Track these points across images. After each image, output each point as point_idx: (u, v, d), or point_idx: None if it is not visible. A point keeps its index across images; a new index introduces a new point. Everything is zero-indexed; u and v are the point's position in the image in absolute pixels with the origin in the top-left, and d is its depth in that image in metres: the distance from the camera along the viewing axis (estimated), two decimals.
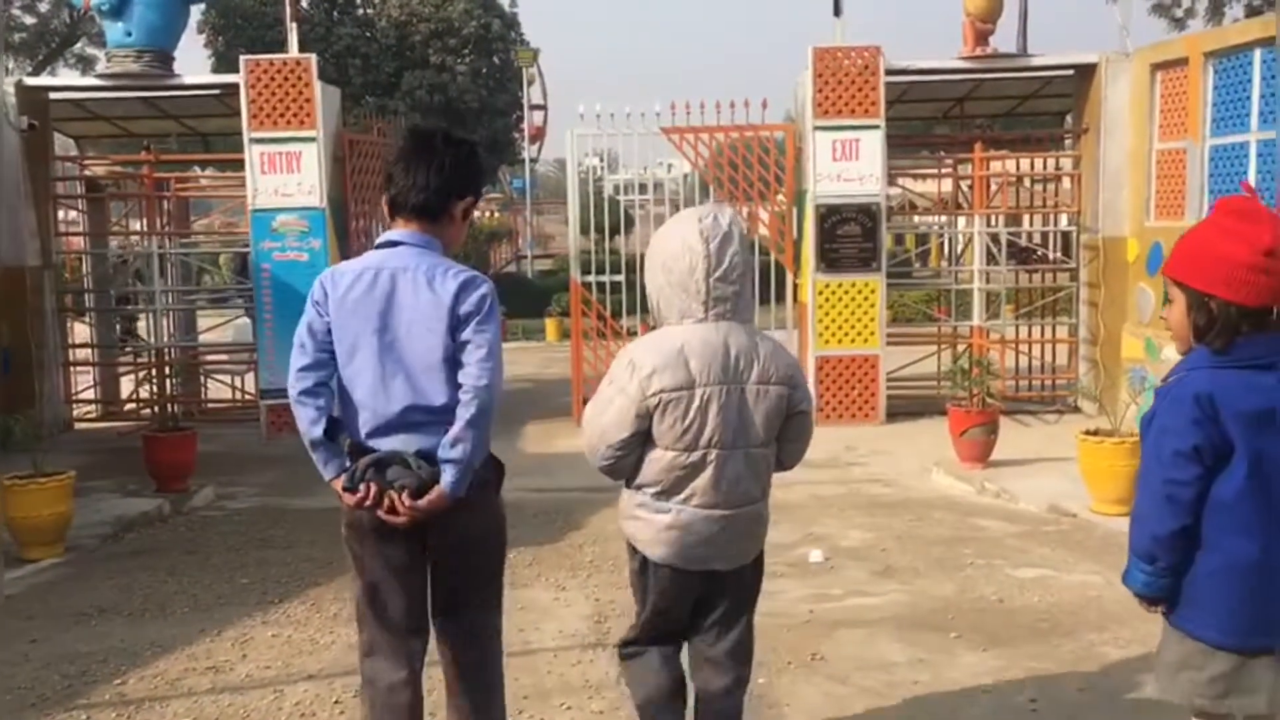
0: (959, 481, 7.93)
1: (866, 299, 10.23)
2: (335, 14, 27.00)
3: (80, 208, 11.98)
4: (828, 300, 10.24)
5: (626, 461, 3.03)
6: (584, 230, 11.40)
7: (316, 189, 10.12)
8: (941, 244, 15.19)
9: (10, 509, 6.39)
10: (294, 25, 10.89)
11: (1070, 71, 10.61)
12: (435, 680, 3.64)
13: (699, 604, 3.16)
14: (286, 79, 10.06)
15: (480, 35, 27.37)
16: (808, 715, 4.14)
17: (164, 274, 10.99)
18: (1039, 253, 11.54)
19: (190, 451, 8.15)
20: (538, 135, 32.79)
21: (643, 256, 3.26)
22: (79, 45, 27.93)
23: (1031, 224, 11.91)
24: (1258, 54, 8.06)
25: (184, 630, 5.20)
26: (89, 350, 11.62)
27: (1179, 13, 23.79)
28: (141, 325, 12.19)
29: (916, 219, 15.14)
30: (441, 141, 3.16)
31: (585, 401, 3.35)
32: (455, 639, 3.27)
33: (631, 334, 3.52)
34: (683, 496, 2.99)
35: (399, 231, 3.14)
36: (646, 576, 3.12)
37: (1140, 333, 9.39)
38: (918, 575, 5.84)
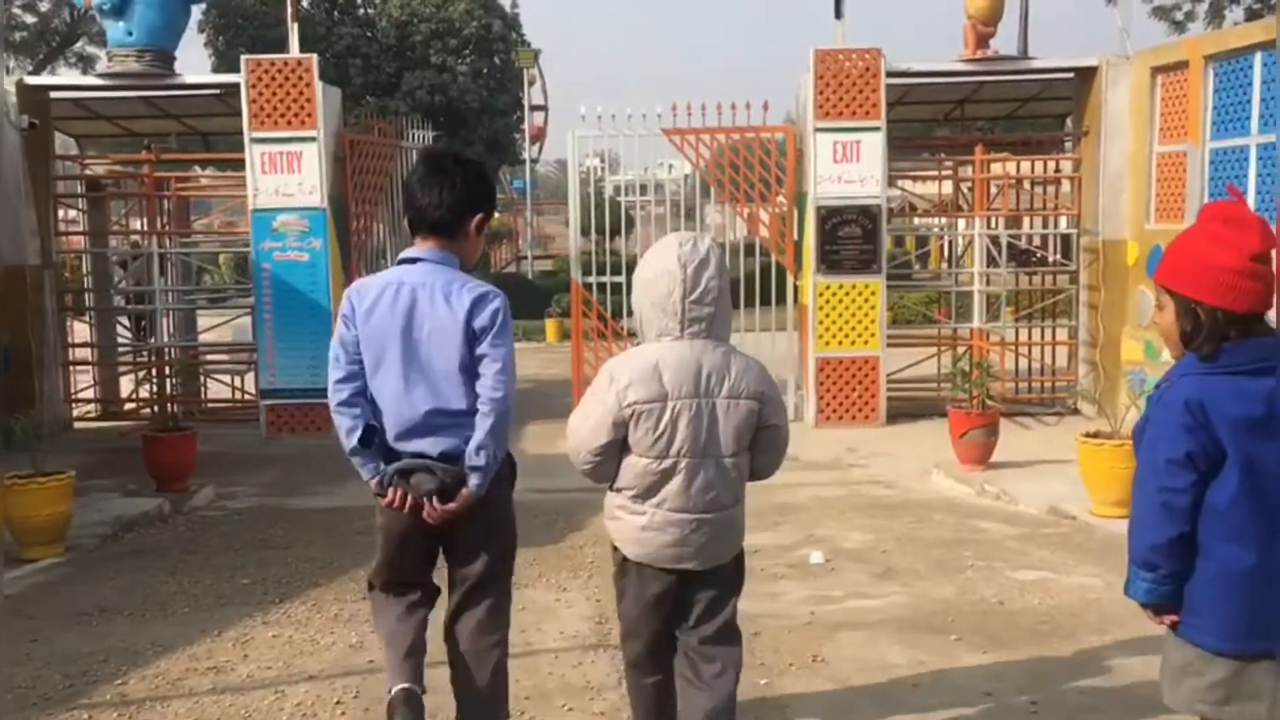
0: (959, 483, 7.93)
1: (867, 301, 10.24)
2: (336, 14, 27.01)
3: (81, 207, 11.99)
4: (828, 302, 10.25)
5: (606, 466, 3.25)
6: (585, 231, 11.41)
7: (317, 189, 10.12)
8: (942, 246, 15.20)
9: (10, 508, 6.38)
10: (295, 25, 10.90)
11: (1071, 74, 10.62)
12: (436, 682, 3.65)
13: (680, 602, 3.33)
14: (287, 79, 10.07)
15: (481, 36, 27.39)
16: (809, 717, 4.14)
17: (164, 273, 10.99)
18: (1039, 255, 11.55)
19: (190, 451, 8.15)
20: (538, 136, 32.81)
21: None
22: (80, 44, 27.91)
23: (1032, 226, 11.91)
24: (1258, 57, 8.07)
25: (185, 630, 5.20)
26: (89, 350, 11.62)
27: (1179, 16, 23.82)
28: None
29: (917, 221, 15.16)
30: (452, 163, 3.41)
31: None
32: (468, 620, 3.50)
33: (632, 335, 3.64)
34: (656, 500, 3.21)
35: (418, 249, 3.39)
36: (626, 573, 3.36)
37: (1140, 335, 9.40)
38: (918, 577, 5.84)
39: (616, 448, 3.21)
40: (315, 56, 10.32)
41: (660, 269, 3.21)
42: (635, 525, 3.26)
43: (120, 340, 11.90)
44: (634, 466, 3.21)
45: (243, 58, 10.41)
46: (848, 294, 10.25)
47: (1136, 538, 2.64)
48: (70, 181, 11.62)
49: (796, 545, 6.49)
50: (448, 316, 3.28)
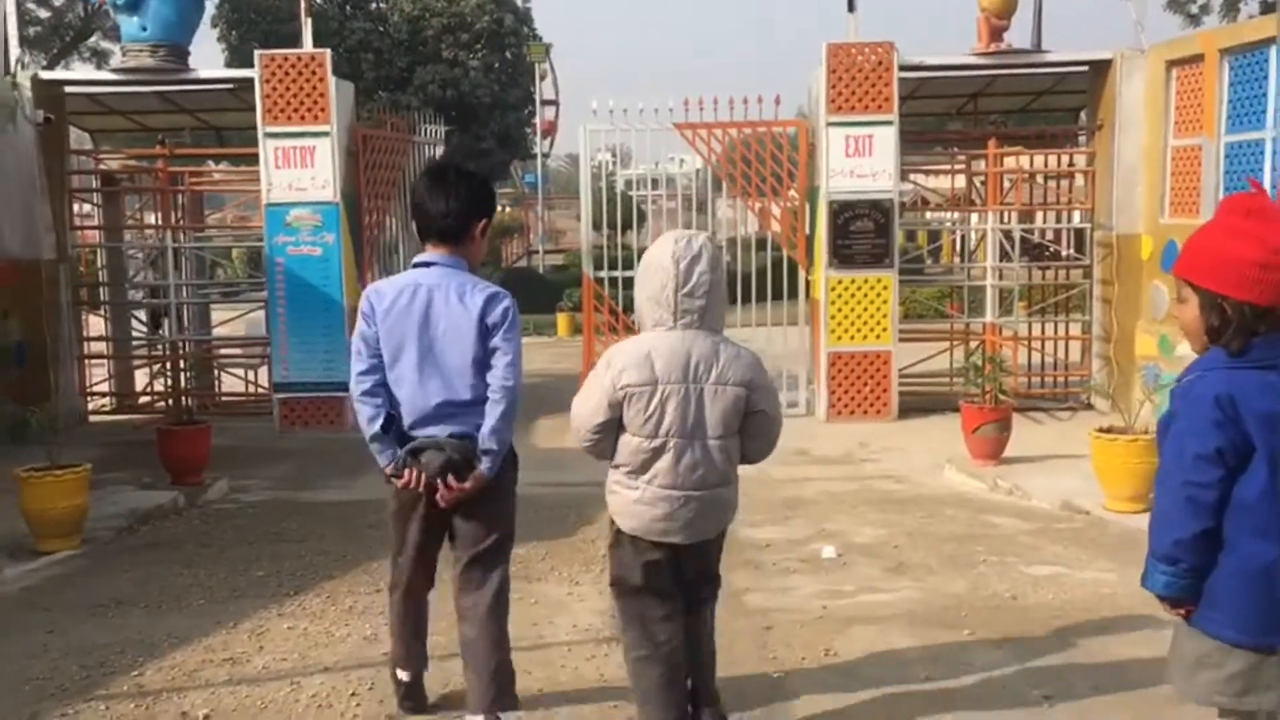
0: (971, 478, 7.92)
1: (879, 295, 10.22)
2: (348, 8, 27.06)
3: (95, 201, 12.04)
4: (840, 296, 10.23)
5: (604, 444, 3.53)
6: (596, 225, 11.43)
7: (330, 184, 10.15)
8: (954, 240, 15.16)
9: (27, 501, 6.43)
10: (308, 20, 10.92)
11: (1085, 68, 10.57)
12: (444, 672, 3.66)
13: (672, 567, 3.59)
14: (301, 73, 10.09)
15: (492, 30, 27.40)
16: (821, 711, 4.14)
17: (178, 268, 11.03)
18: (1052, 249, 11.51)
19: (204, 445, 8.19)
20: (549, 130, 32.84)
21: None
22: (94, 39, 28.02)
23: (1045, 221, 11.87)
24: (1274, 50, 8.02)
25: (200, 622, 5.23)
26: (104, 344, 11.68)
27: (1194, 9, 23.69)
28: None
29: (929, 215, 15.12)
30: (455, 175, 3.76)
31: None
32: (472, 587, 3.83)
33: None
34: (647, 476, 3.48)
35: (430, 254, 3.74)
36: (620, 544, 3.62)
37: (1154, 330, 9.37)
38: (930, 572, 5.84)
39: (613, 427, 3.49)
40: (328, 51, 10.34)
41: (655, 264, 3.45)
42: (629, 499, 3.52)
43: (135, 334, 11.95)
44: (628, 444, 3.49)
45: (256, 53, 10.45)
46: (859, 288, 10.23)
47: (1159, 531, 2.63)
48: (85, 176, 11.66)
49: (808, 540, 6.49)
50: (462, 314, 3.62)
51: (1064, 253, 11.33)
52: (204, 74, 10.74)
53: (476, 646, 3.80)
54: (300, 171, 10.14)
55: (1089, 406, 10.51)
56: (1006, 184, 11.06)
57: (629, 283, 10.99)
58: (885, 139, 10.09)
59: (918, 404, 10.62)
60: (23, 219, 10.13)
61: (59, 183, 10.69)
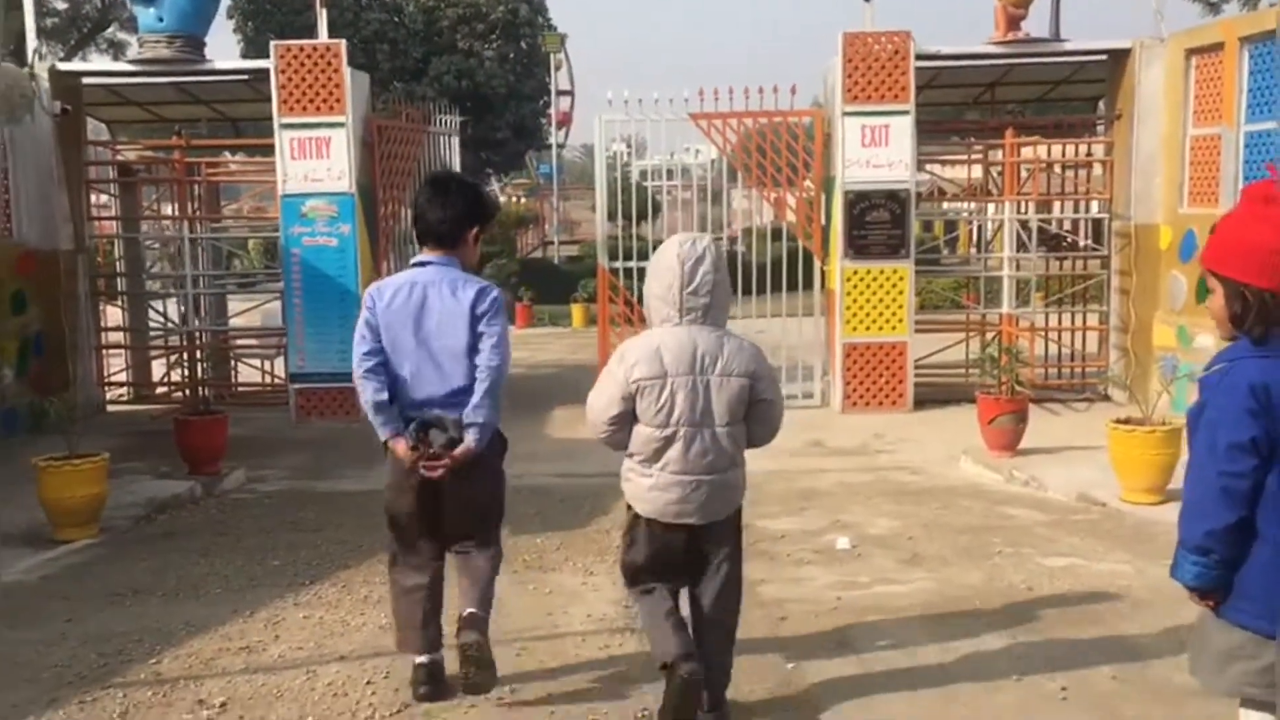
0: (987, 470, 7.89)
1: (895, 286, 10.18)
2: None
3: (112, 192, 12.10)
4: (855, 287, 10.20)
5: (620, 435, 3.75)
6: (611, 216, 11.41)
7: (346, 174, 10.16)
8: (971, 231, 15.09)
9: (45, 490, 6.48)
10: (323, 10, 10.93)
11: (1103, 56, 10.49)
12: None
13: (690, 552, 3.79)
14: (316, 64, 10.10)
15: (508, 20, 27.37)
16: (835, 703, 4.14)
17: (194, 258, 11.08)
18: (1070, 240, 11.45)
19: (221, 435, 8.23)
20: (564, 121, 32.76)
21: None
22: (111, 30, 28.12)
23: (1063, 211, 11.80)
24: None
25: (217, 611, 5.26)
26: (121, 334, 11.74)
27: None
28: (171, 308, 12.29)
29: (946, 205, 15.05)
30: (453, 186, 4.16)
31: None
32: (468, 565, 4.18)
33: None
34: (660, 464, 3.70)
35: (427, 255, 4.12)
36: (636, 527, 3.83)
37: (1172, 321, 9.31)
38: (945, 563, 5.82)
39: (628, 418, 3.71)
40: (343, 42, 10.34)
41: (663, 265, 3.71)
42: (644, 486, 3.74)
43: (152, 324, 12.00)
44: (641, 435, 3.71)
45: (272, 43, 10.45)
46: (875, 279, 10.19)
47: (1190, 522, 2.61)
48: (102, 167, 11.72)
49: (823, 531, 6.48)
50: (455, 306, 3.98)
51: (1081, 243, 11.27)
52: (220, 65, 10.76)
53: (470, 594, 4.13)
54: (316, 162, 10.16)
55: (1106, 398, 10.46)
56: (1024, 174, 10.99)
57: (644, 273, 10.97)
58: (901, 129, 10.04)
59: (933, 395, 10.59)
60: (40, 210, 10.19)
61: (76, 173, 10.74)
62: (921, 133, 10.47)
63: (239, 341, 12.35)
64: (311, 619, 5.14)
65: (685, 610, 3.88)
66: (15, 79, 9.90)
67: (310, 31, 11.54)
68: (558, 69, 30.11)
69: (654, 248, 4.33)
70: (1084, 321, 11.31)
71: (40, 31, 11.10)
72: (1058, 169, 11.71)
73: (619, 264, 10.82)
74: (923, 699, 4.16)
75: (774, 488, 7.56)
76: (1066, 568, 5.69)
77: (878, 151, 10.08)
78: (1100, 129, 11.22)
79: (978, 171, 11.99)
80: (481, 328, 3.98)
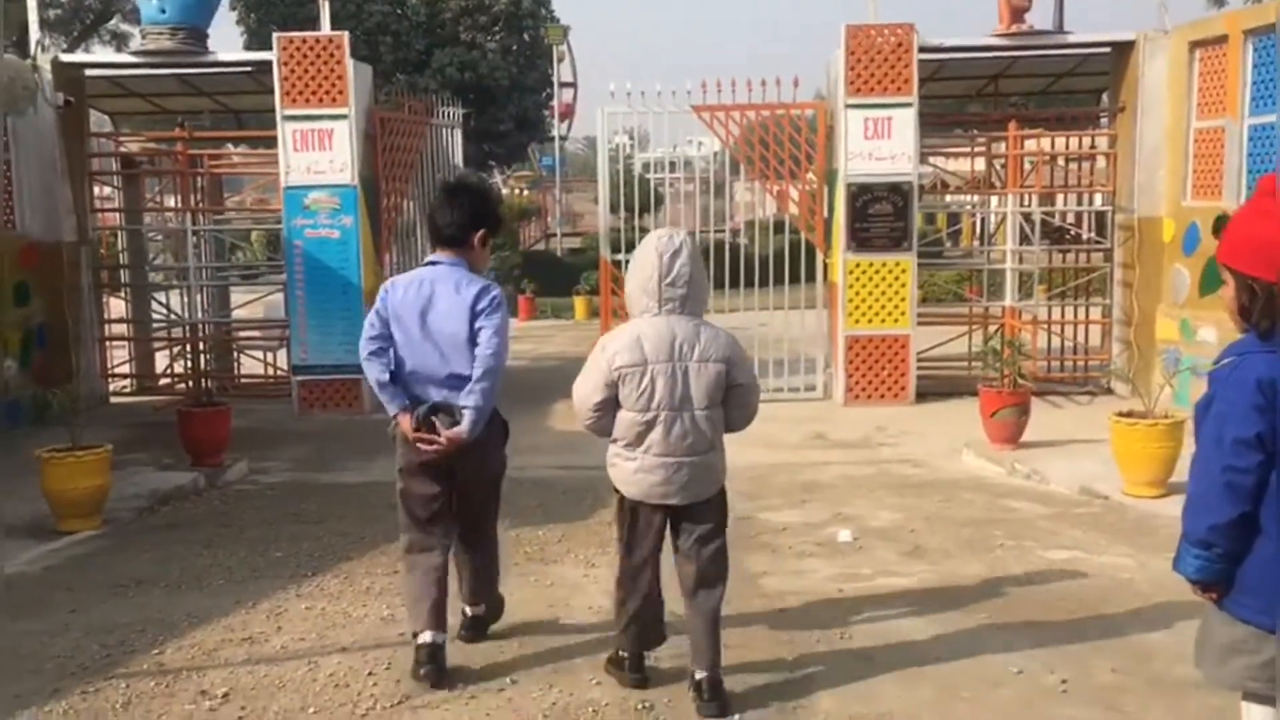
0: (989, 463, 7.90)
1: (897, 279, 10.18)
2: None
3: (115, 184, 12.09)
4: (858, 280, 10.19)
5: (604, 420, 3.96)
6: (614, 208, 11.39)
7: (348, 166, 10.16)
8: (974, 223, 15.06)
9: (48, 481, 6.49)
10: (326, 2, 10.91)
11: (1107, 49, 10.47)
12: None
13: (674, 530, 4.04)
14: (319, 56, 10.09)
15: (510, 12, 27.36)
16: (837, 695, 4.15)
17: (197, 250, 11.08)
18: (1073, 233, 11.43)
19: (224, 426, 8.24)
20: (567, 113, 32.75)
21: None
22: (113, 22, 28.12)
23: (1066, 203, 11.78)
24: None
25: (219, 602, 5.27)
26: (125, 326, 11.75)
27: None
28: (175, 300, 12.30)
29: (949, 198, 15.02)
30: (463, 192, 4.49)
31: None
32: (468, 537, 4.52)
33: None
34: (643, 447, 3.91)
35: (437, 255, 4.41)
36: (624, 509, 4.05)
37: (1175, 314, 9.30)
38: (947, 556, 5.83)
39: (611, 405, 3.92)
40: (346, 34, 10.32)
41: (643, 258, 3.92)
42: (629, 469, 3.95)
43: (155, 316, 12.01)
44: (624, 420, 3.92)
45: (274, 35, 10.44)
46: (878, 272, 10.19)
47: (1194, 516, 2.61)
48: (105, 159, 11.72)
49: (825, 523, 6.49)
50: (457, 301, 4.24)
51: (1084, 236, 11.24)
52: (223, 57, 10.75)
53: (471, 578, 4.54)
54: (318, 154, 10.15)
55: (1108, 391, 10.45)
56: (1027, 166, 10.97)
57: None
58: (904, 121, 10.02)
59: (936, 388, 10.58)
60: (43, 202, 10.20)
61: (79, 165, 10.75)
62: (924, 125, 10.45)
63: (241, 334, 12.35)
64: (314, 610, 5.15)
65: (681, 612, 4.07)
66: (18, 71, 9.90)
67: (313, 23, 11.52)
68: (560, 61, 30.10)
69: None
70: (1086, 314, 11.30)
71: (43, 23, 11.09)
72: (1061, 162, 11.69)
73: (621, 256, 10.78)
74: (924, 691, 4.16)
75: (776, 480, 7.57)
76: (1068, 561, 5.69)
77: (880, 144, 10.06)
78: (1104, 122, 11.20)
79: (981, 164, 11.96)
80: (481, 322, 4.22)
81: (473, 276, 4.33)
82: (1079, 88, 12.40)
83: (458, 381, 4.24)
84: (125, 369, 11.66)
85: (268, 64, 10.25)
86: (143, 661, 4.58)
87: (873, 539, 6.16)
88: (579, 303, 19.88)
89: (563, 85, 31.08)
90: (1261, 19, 8.51)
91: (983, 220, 13.37)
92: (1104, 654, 4.47)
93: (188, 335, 11.21)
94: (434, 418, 4.23)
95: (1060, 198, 11.62)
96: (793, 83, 10.43)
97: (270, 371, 11.83)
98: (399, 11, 26.84)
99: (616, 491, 4.07)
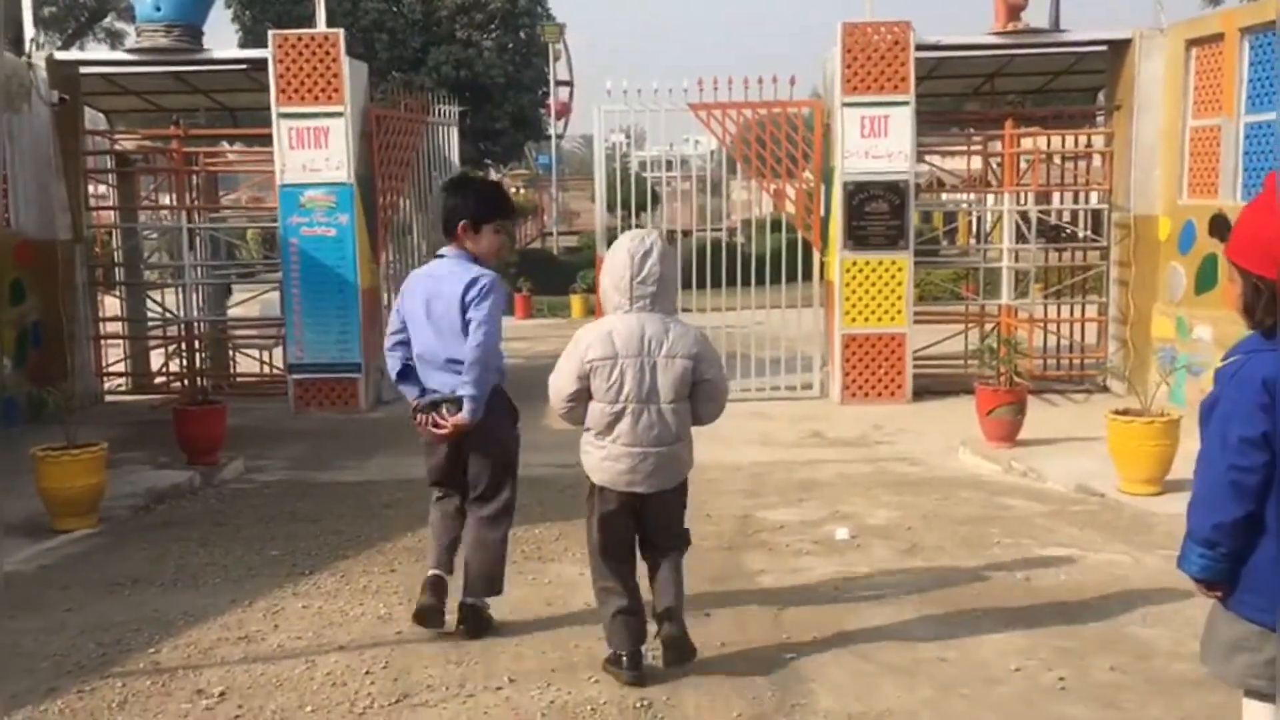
0: (986, 461, 7.90)
1: (894, 277, 10.17)
2: None
3: (110, 182, 12.06)
4: (855, 278, 10.19)
5: (578, 410, 4.19)
6: (610, 207, 11.37)
7: (344, 164, 10.14)
8: (970, 222, 15.07)
9: (44, 480, 6.47)
10: (321, 0, 10.89)
11: (1103, 47, 10.47)
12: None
13: (640, 517, 4.25)
14: (314, 54, 10.07)
15: (506, 10, 27.29)
16: (834, 693, 4.15)
17: (193, 248, 11.05)
18: (1069, 231, 11.43)
19: (220, 425, 8.22)
20: (563, 111, 32.72)
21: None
22: (108, 19, 28.08)
23: (1062, 202, 11.79)
24: None
25: (215, 600, 5.26)
26: (120, 324, 11.72)
27: None
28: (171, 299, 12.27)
29: (945, 196, 15.03)
30: (453, 183, 5.05)
31: None
32: (474, 517, 4.79)
33: None
34: (612, 437, 4.11)
35: (445, 249, 4.78)
36: (593, 494, 4.26)
37: (1171, 312, 9.31)
38: (944, 554, 5.83)
39: (584, 395, 4.14)
40: (342, 31, 10.30)
41: (616, 258, 4.13)
42: (598, 457, 4.15)
43: (150, 314, 11.98)
44: (595, 410, 4.13)
45: (270, 33, 10.42)
46: (874, 270, 10.18)
47: (1199, 514, 2.61)
48: (100, 156, 11.68)
49: (822, 521, 6.49)
50: (453, 292, 4.56)
51: (1081, 234, 11.24)
52: (218, 54, 10.73)
53: (471, 555, 4.73)
54: (314, 152, 10.13)
55: (1105, 389, 10.46)
56: (1023, 165, 10.97)
57: None
58: (901, 119, 10.02)
59: (933, 386, 10.59)
60: (38, 199, 10.17)
61: (74, 163, 10.71)
62: (921, 123, 10.45)
63: (237, 332, 12.33)
64: (310, 609, 5.14)
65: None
66: (13, 68, 9.87)
67: (308, 21, 11.52)
68: (556, 59, 30.06)
69: None
70: (1083, 313, 11.31)
71: (38, 20, 11.06)
72: (1057, 160, 11.70)
73: None
74: (922, 689, 4.16)
75: (773, 478, 7.57)
76: (1065, 558, 5.70)
77: (877, 142, 10.05)
78: (1100, 120, 11.20)
79: (977, 162, 11.97)
80: (470, 312, 4.51)
81: (470, 266, 4.61)
82: (1075, 86, 12.41)
83: (455, 365, 4.55)
84: (120, 367, 11.62)
85: (263, 62, 10.23)
86: (139, 660, 4.57)
87: (870, 537, 6.16)
88: (575, 301, 19.86)
89: (559, 84, 31.04)
90: (1257, 17, 8.52)
91: (979, 219, 13.39)
92: (1102, 651, 4.48)
93: (183, 333, 11.18)
94: (444, 405, 4.60)
95: (1056, 196, 11.62)
96: (789, 81, 10.43)
97: (266, 370, 11.80)
98: (394, 9, 26.77)
99: (588, 478, 4.30)
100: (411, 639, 4.72)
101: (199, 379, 10.70)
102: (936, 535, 6.16)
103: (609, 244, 10.65)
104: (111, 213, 12.38)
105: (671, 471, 4.19)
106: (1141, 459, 6.77)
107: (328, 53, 10.07)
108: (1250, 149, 8.51)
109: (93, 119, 11.87)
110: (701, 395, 4.18)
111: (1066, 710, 4.00)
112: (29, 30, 10.54)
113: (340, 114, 10.09)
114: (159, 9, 10.24)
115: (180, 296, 11.09)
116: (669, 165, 11.55)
